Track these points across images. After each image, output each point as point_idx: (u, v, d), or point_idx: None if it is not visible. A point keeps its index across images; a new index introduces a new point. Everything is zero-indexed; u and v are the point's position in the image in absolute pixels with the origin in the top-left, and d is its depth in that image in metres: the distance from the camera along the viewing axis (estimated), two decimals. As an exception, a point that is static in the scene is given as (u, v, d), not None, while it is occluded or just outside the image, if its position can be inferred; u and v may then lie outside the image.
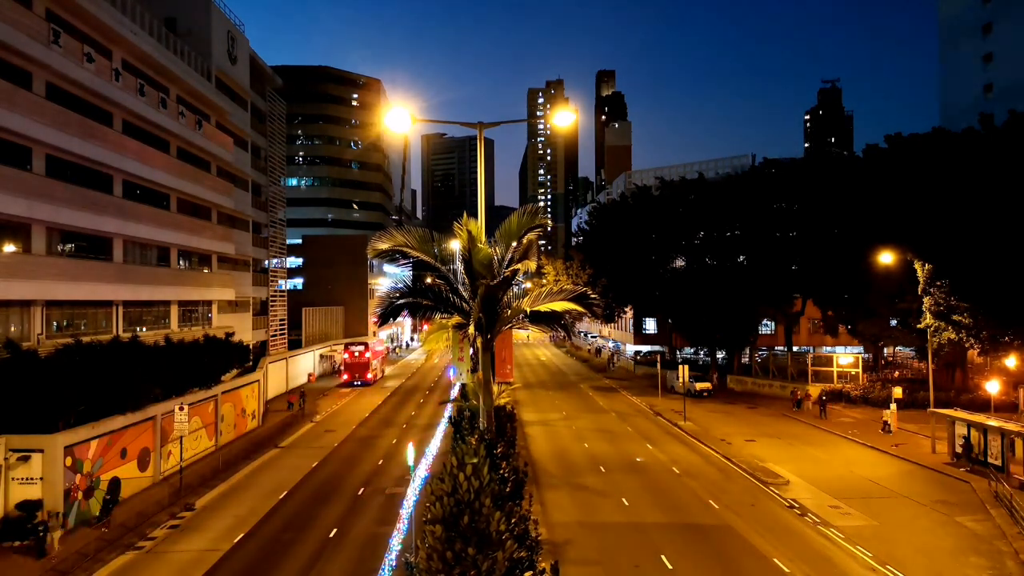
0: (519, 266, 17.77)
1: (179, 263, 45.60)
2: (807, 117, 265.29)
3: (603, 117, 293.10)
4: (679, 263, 64.41)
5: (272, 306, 65.55)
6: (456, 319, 18.82)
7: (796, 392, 52.53)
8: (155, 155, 41.22)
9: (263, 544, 24.02)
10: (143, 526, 25.49)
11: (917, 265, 44.12)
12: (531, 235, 17.82)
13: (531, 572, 12.79)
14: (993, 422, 31.87)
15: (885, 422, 42.00)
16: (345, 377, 67.24)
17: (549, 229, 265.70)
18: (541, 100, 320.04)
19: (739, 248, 60.06)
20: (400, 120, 19.45)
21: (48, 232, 32.36)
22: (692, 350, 76.86)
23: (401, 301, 18.47)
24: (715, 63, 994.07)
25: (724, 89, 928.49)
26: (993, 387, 38.27)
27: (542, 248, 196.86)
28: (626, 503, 28.41)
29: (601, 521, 26.17)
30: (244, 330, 54.88)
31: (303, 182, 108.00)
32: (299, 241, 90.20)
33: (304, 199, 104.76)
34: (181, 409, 31.56)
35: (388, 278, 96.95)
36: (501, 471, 15.91)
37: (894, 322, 55.46)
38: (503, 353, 29.33)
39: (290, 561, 22.39)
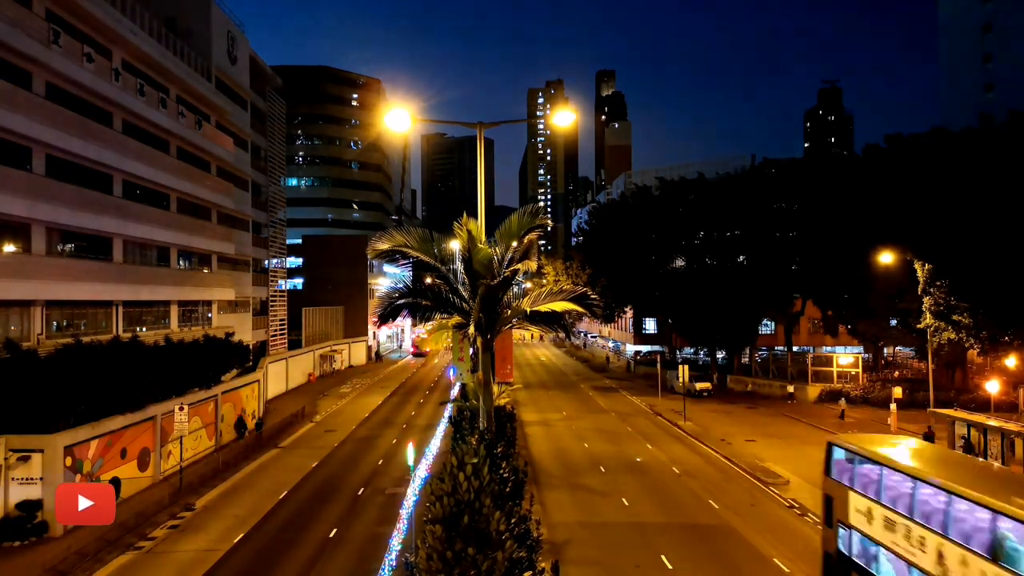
0: (519, 266, 17.75)
1: (179, 263, 45.59)
2: (807, 117, 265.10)
3: (603, 117, 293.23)
4: (679, 263, 64.41)
5: (272, 306, 65.53)
6: (456, 319, 18.79)
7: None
8: (155, 155, 41.21)
9: (263, 544, 24.02)
10: (143, 526, 25.47)
11: (917, 265, 44.12)
12: (531, 235, 17.80)
13: (531, 572, 12.80)
14: (993, 422, 31.87)
15: (842, 411, 46.87)
16: None
17: (549, 229, 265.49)
18: (541, 100, 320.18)
19: (739, 248, 60.07)
20: (400, 120, 19.45)
21: (48, 232, 32.34)
22: (692, 350, 76.86)
23: (401, 301, 18.44)
24: (715, 63, 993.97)
25: (724, 89, 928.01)
26: (993, 387, 38.28)
27: (542, 248, 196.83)
28: (626, 503, 28.41)
29: (601, 521, 26.19)
30: (244, 330, 54.86)
31: (303, 182, 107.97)
32: (299, 241, 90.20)
33: (304, 199, 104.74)
34: (181, 409, 31.57)
35: (388, 278, 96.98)
36: (501, 471, 15.90)
37: (894, 322, 55.50)
38: (503, 353, 29.29)
39: (290, 561, 22.39)
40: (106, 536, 23.90)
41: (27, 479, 24.26)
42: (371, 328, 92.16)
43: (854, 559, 18.07)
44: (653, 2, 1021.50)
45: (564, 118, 23.84)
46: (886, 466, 17.45)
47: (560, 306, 17.50)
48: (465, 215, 17.70)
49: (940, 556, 14.94)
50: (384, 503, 28.48)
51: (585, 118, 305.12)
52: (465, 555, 10.95)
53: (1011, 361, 44.35)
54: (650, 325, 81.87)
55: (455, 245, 18.27)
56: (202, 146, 47.30)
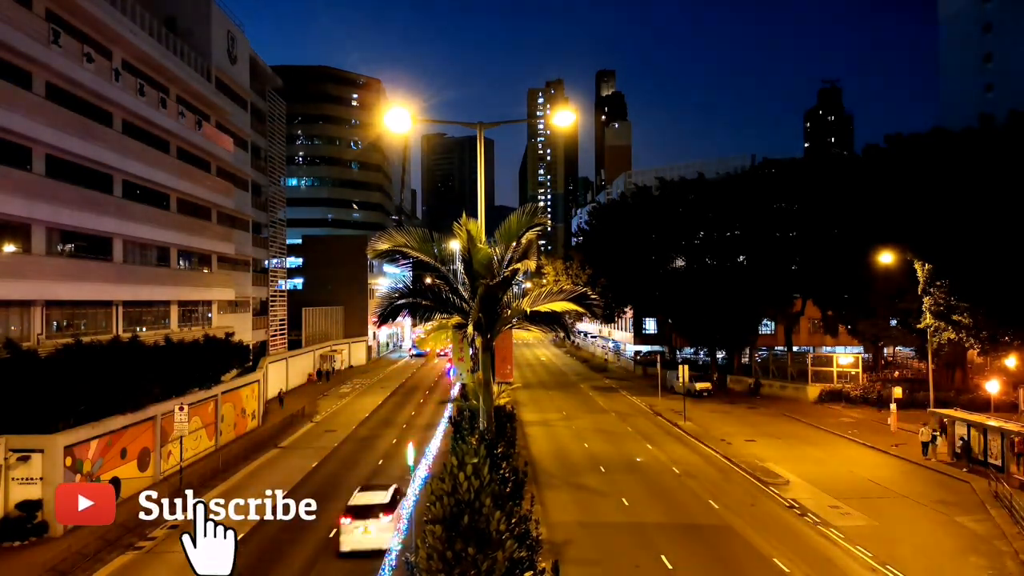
0: (519, 266, 17.77)
1: (179, 263, 45.60)
2: (807, 117, 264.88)
3: (603, 117, 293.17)
4: (679, 263, 64.40)
5: (272, 306, 65.54)
6: (456, 319, 18.80)
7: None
8: (155, 155, 41.22)
9: (263, 544, 23.99)
10: (143, 526, 25.44)
11: (917, 265, 44.10)
12: (530, 234, 17.81)
13: (531, 572, 12.81)
14: (993, 422, 31.86)
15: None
16: None
17: (549, 229, 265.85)
18: (541, 100, 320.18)
19: (739, 248, 60.06)
20: (400, 120, 19.46)
21: (48, 232, 32.36)
22: (692, 350, 76.88)
23: (401, 301, 18.46)
24: (715, 63, 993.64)
25: (724, 89, 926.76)
26: (993, 387, 38.25)
27: (542, 248, 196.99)
28: (626, 503, 28.41)
29: (601, 521, 26.18)
30: (244, 330, 54.87)
31: (303, 182, 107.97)
32: (299, 241, 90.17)
33: (304, 199, 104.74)
34: (181, 409, 31.57)
35: (388, 278, 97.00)
36: (501, 471, 15.92)
37: (894, 322, 55.48)
38: (503, 353, 29.30)
39: (290, 561, 22.38)
40: (106, 536, 23.88)
41: (27, 479, 24.25)
42: (371, 328, 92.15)
43: None
44: (653, 2, 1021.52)
45: (564, 118, 23.85)
46: None
47: (560, 306, 17.51)
48: (465, 215, 17.71)
49: None
50: (384, 503, 28.43)
51: (585, 118, 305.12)
52: (465, 555, 10.96)
53: (1011, 361, 44.33)
54: (650, 325, 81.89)
55: (455, 245, 18.30)
56: (202, 146, 47.31)
